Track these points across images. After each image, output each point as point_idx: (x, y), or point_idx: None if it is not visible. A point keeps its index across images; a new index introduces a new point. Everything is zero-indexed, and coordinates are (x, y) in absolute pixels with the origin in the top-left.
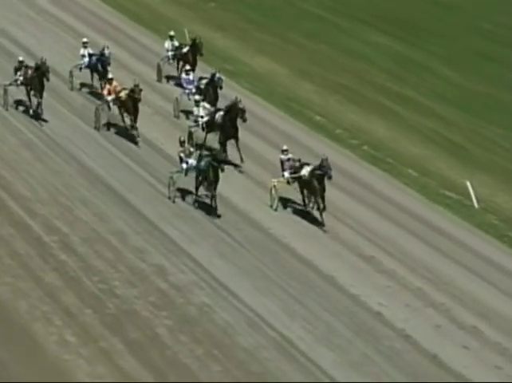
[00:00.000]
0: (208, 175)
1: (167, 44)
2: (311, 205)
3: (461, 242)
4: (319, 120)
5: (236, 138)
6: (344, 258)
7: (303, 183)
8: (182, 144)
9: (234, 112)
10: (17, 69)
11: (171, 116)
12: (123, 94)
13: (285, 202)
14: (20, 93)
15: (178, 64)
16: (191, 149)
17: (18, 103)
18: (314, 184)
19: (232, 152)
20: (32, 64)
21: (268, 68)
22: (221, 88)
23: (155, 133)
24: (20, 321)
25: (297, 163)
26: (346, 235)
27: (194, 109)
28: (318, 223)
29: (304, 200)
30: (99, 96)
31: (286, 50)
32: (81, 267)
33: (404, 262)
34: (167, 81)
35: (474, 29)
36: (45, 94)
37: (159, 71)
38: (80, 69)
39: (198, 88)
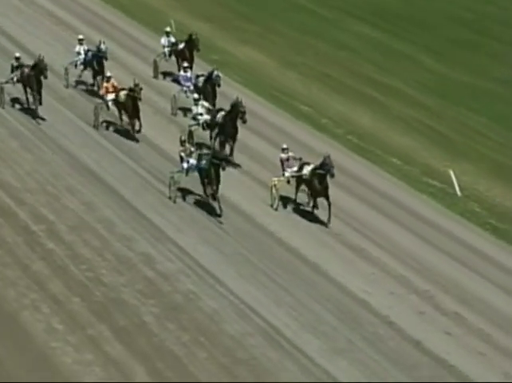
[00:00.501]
0: (209, 174)
1: (164, 40)
2: (311, 204)
3: (444, 230)
4: (305, 109)
5: (234, 138)
6: (330, 247)
7: (304, 183)
8: (182, 143)
9: (235, 112)
10: (13, 67)
11: (166, 112)
12: (122, 94)
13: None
14: (15, 91)
15: (178, 60)
16: (192, 149)
17: (14, 101)
18: (315, 184)
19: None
20: (26, 60)
21: (254, 58)
22: (219, 85)
23: (149, 130)
24: (8, 309)
25: (298, 162)
26: (331, 224)
27: (193, 108)
28: (305, 213)
29: (296, 196)
30: (93, 92)
31: (273, 41)
32: (69, 255)
33: (388, 250)
34: (164, 78)
35: (457, 19)
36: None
37: (156, 67)
38: (76, 65)
39: (195, 85)
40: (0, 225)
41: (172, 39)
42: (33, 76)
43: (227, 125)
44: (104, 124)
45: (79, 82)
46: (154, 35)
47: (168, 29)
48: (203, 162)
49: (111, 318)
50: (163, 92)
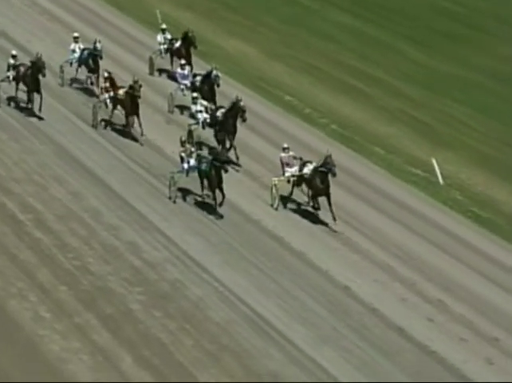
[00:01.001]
0: (210, 176)
1: (160, 37)
2: (311, 204)
3: (427, 218)
4: (289, 100)
5: (233, 136)
6: (314, 235)
7: (305, 182)
8: (183, 143)
9: (235, 110)
10: (9, 66)
11: (162, 109)
12: (121, 91)
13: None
14: (10, 89)
15: (171, 57)
16: (192, 149)
17: (10, 99)
18: (317, 183)
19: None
20: (21, 58)
21: (240, 49)
22: (218, 85)
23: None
24: None
25: (298, 161)
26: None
27: (192, 107)
28: (290, 202)
29: (291, 192)
30: (84, 86)
31: (258, 32)
32: (56, 245)
33: (372, 238)
34: (160, 75)
35: (440, 10)
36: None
37: (151, 64)
38: (71, 64)
39: (193, 84)
40: None
41: (168, 36)
42: (30, 74)
43: (227, 123)
44: (103, 123)
45: (74, 80)
46: (149, 32)
47: (164, 25)
48: (204, 164)
49: (98, 306)
50: (159, 89)
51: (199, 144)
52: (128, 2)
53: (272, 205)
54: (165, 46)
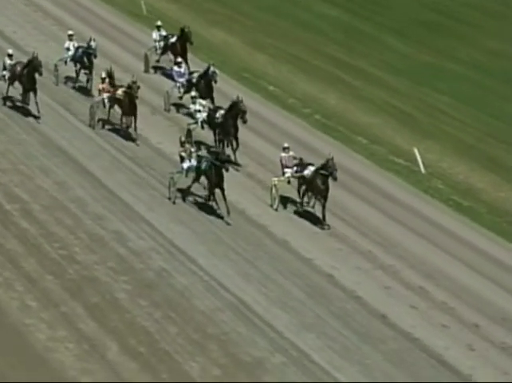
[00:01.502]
0: (210, 176)
1: (155, 34)
2: (310, 203)
3: (409, 207)
4: (272, 90)
5: (235, 137)
6: (297, 223)
7: (305, 183)
8: (182, 144)
9: (236, 111)
10: (5, 64)
11: (159, 107)
12: (120, 90)
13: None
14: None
15: (162, 54)
16: (192, 149)
17: (5, 98)
18: (318, 184)
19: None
20: (17, 57)
21: (222, 39)
22: (215, 82)
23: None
24: None
25: (298, 161)
26: (298, 201)
27: (191, 106)
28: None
29: (299, 195)
30: (73, 79)
31: (240, 22)
32: (42, 234)
33: (355, 226)
34: (155, 72)
35: (424, 2)
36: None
37: (147, 62)
38: (66, 62)
39: (189, 81)
40: None
41: (163, 33)
42: (26, 73)
43: (227, 124)
44: (100, 123)
45: (69, 78)
46: (146, 29)
47: (159, 22)
48: (204, 164)
49: (84, 295)
50: (155, 87)
51: (198, 145)
52: None
53: (271, 205)
54: (161, 43)
